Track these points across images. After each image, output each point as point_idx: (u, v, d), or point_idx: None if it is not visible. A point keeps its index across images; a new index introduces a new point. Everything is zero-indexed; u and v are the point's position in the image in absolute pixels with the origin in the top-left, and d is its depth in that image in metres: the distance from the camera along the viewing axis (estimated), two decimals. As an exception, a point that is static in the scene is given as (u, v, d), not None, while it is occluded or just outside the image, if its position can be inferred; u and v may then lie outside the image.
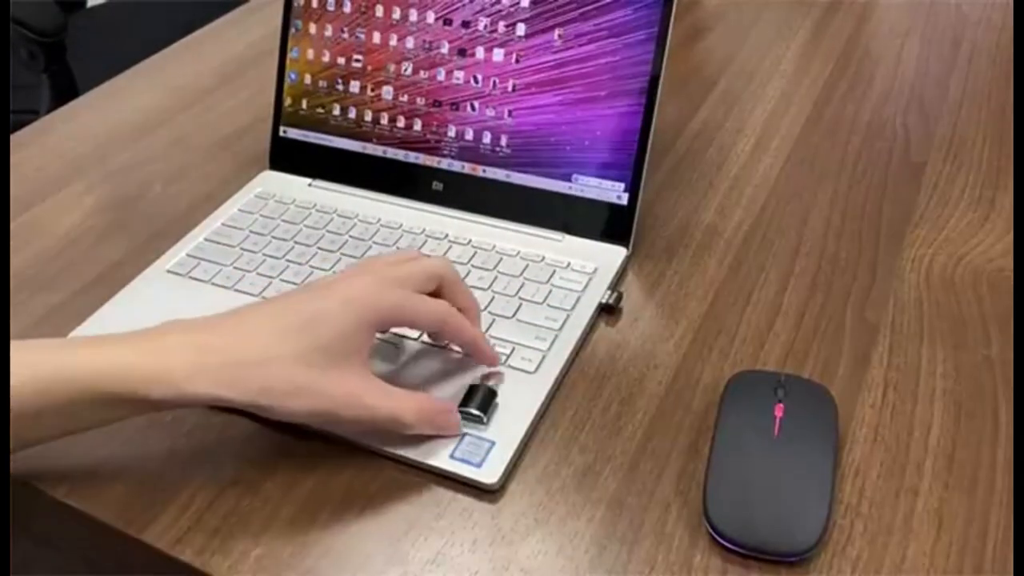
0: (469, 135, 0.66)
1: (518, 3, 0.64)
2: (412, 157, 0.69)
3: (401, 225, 0.66)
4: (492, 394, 0.52)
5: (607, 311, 0.60)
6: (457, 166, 0.67)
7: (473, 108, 0.66)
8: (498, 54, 0.65)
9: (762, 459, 0.48)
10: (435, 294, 0.52)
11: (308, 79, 0.71)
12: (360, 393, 0.47)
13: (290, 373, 0.45)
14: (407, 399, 0.49)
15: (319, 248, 0.64)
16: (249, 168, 0.74)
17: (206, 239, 0.66)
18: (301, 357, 0.46)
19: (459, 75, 0.66)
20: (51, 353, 0.45)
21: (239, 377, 0.45)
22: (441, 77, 0.67)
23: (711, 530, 0.46)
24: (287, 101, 0.72)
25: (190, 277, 0.62)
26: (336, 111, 0.70)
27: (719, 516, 0.46)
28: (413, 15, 0.66)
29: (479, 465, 0.48)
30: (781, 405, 0.50)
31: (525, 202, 0.65)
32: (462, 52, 0.66)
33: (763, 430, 0.49)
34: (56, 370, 0.44)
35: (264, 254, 0.64)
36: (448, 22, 0.66)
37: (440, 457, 0.49)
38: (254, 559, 0.46)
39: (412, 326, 0.52)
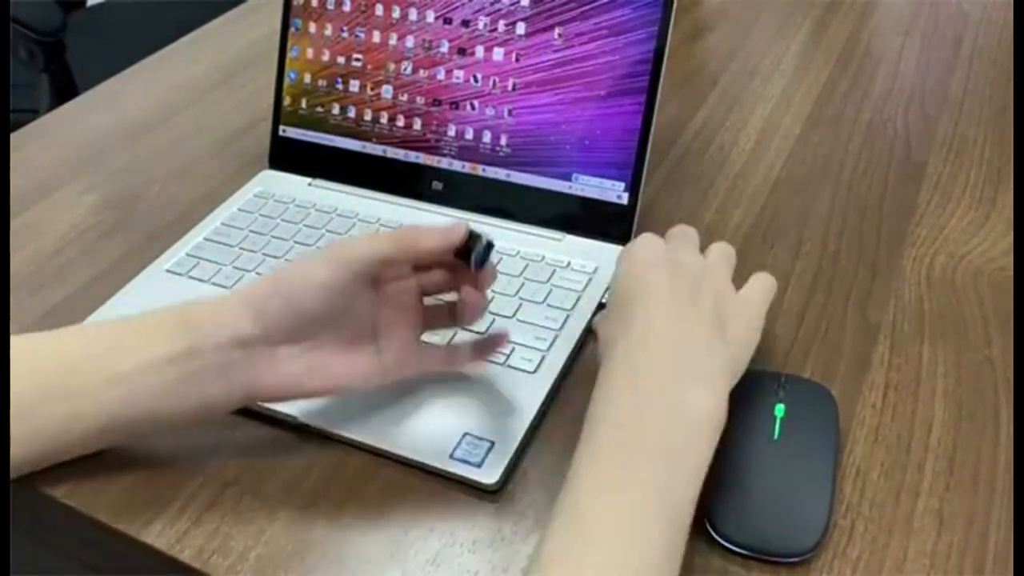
0: (469, 134, 0.66)
1: (518, 2, 0.63)
2: (412, 156, 0.69)
3: (401, 225, 0.66)
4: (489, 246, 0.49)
5: None
6: (457, 165, 0.67)
7: (473, 107, 0.66)
8: (498, 53, 0.65)
9: (762, 460, 0.48)
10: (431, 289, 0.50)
11: (308, 78, 0.71)
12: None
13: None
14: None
15: (319, 248, 0.64)
16: (249, 167, 0.74)
17: (206, 238, 0.66)
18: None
19: (459, 74, 0.66)
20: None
21: None
22: (441, 76, 0.67)
23: (712, 531, 0.45)
24: (287, 100, 0.72)
25: (190, 276, 0.62)
26: (336, 110, 0.70)
27: (720, 517, 0.46)
28: (413, 14, 0.66)
29: (479, 465, 0.48)
30: (781, 406, 0.50)
31: (525, 201, 0.65)
32: (462, 51, 0.66)
33: (763, 431, 0.49)
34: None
35: (264, 253, 0.64)
36: (448, 21, 0.66)
37: (440, 457, 0.49)
38: (254, 559, 0.46)
39: (368, 257, 0.47)
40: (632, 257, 0.50)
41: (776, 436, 0.48)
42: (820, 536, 0.45)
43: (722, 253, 0.53)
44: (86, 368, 0.46)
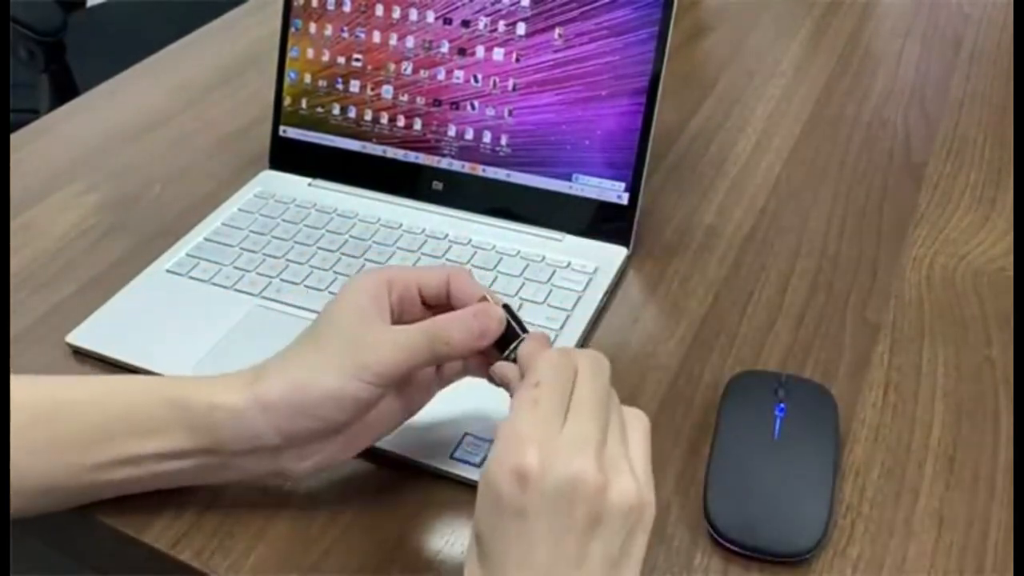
0: (469, 134, 0.66)
1: (518, 2, 0.63)
2: (412, 157, 0.69)
3: (401, 225, 0.66)
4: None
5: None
6: (457, 165, 0.67)
7: (473, 107, 0.66)
8: (498, 53, 0.65)
9: (762, 461, 0.48)
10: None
11: (308, 78, 0.71)
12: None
13: None
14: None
15: (319, 248, 0.64)
16: (249, 168, 0.74)
17: (206, 239, 0.66)
18: None
19: (459, 74, 0.66)
20: None
21: None
22: (441, 76, 0.67)
23: (712, 531, 0.46)
24: (287, 101, 0.72)
25: (190, 277, 0.62)
26: (336, 110, 0.70)
27: (720, 517, 0.46)
28: (413, 14, 0.66)
29: (479, 465, 0.48)
30: (782, 406, 0.50)
31: (525, 202, 0.65)
32: (462, 51, 0.66)
33: (763, 431, 0.49)
34: None
35: (264, 254, 0.64)
36: (448, 21, 0.66)
37: (440, 457, 0.49)
38: (254, 559, 0.46)
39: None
40: (540, 476, 0.36)
41: (776, 436, 0.48)
42: (820, 537, 0.45)
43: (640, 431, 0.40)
44: (100, 446, 0.44)
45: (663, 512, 0.47)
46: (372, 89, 0.69)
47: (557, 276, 0.61)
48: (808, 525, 0.45)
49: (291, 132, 0.72)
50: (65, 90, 1.38)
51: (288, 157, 0.72)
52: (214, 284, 0.62)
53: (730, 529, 0.45)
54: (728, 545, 0.45)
